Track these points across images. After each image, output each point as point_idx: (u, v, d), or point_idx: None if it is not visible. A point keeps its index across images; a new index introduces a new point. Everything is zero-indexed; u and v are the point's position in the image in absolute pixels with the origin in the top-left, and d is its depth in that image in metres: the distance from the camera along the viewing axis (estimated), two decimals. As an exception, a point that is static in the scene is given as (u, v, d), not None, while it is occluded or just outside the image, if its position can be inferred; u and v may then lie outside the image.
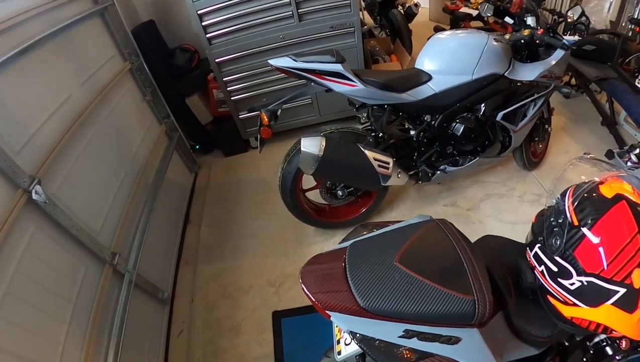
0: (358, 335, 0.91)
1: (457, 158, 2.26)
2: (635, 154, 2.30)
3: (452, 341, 0.89)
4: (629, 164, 2.23)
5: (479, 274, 0.90)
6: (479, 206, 2.50)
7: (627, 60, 2.71)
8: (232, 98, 2.97)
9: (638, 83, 2.37)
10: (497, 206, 2.47)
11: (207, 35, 2.66)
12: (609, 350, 1.12)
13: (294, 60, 1.82)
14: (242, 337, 2.00)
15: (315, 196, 2.38)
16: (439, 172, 2.26)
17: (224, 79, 2.87)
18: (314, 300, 0.90)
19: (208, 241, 2.59)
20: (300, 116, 3.20)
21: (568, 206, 0.97)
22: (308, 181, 2.25)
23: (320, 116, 3.21)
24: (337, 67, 1.80)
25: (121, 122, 2.15)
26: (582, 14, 2.08)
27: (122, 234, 1.84)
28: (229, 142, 3.30)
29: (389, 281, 0.89)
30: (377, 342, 0.91)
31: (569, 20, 2.08)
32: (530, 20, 2.09)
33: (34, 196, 1.31)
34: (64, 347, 1.29)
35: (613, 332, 0.90)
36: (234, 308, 2.14)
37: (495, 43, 1.96)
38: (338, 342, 1.09)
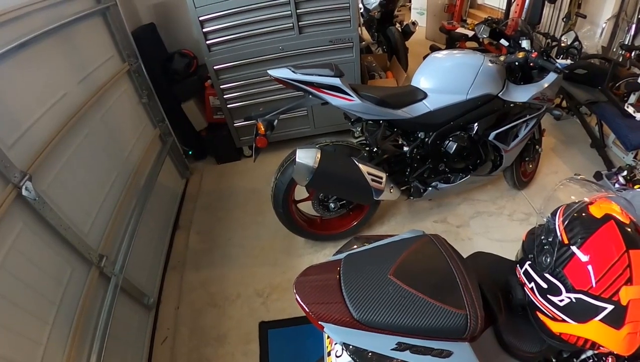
0: (351, 347, 0.91)
1: (449, 175, 2.28)
2: (623, 176, 2.39)
3: (443, 354, 0.89)
4: (616, 185, 2.31)
5: (471, 289, 0.92)
6: (469, 223, 2.52)
7: (617, 84, 2.80)
8: (228, 106, 2.98)
9: (627, 107, 2.45)
10: (487, 224, 2.50)
11: (207, 42, 2.68)
12: None
13: (292, 71, 1.84)
14: (228, 347, 1.96)
15: (306, 208, 2.38)
16: (430, 188, 2.28)
17: (221, 87, 2.88)
18: (307, 311, 0.90)
19: (196, 247, 2.56)
20: (295, 127, 3.21)
21: (558, 225, 0.99)
22: (300, 192, 2.25)
23: (315, 128, 3.24)
24: (335, 81, 1.82)
25: (116, 123, 2.14)
26: (576, 39, 2.15)
27: (110, 237, 1.81)
28: (222, 150, 3.29)
29: (383, 293, 0.90)
30: (370, 354, 0.91)
31: (562, 44, 2.15)
32: (525, 44, 2.16)
33: (24, 192, 1.29)
34: (45, 349, 1.26)
35: (601, 348, 0.91)
36: (220, 317, 2.11)
37: (490, 64, 2.02)
38: (329, 354, 1.08)
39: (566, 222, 0.98)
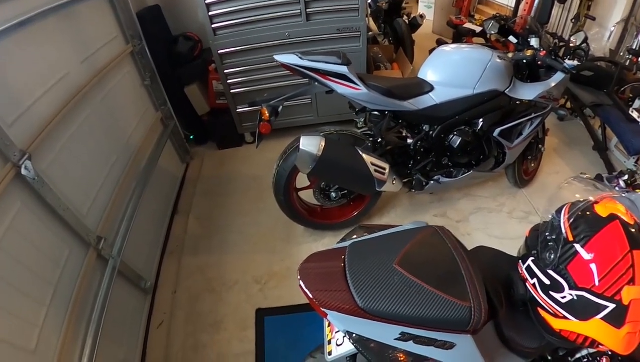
0: (354, 335, 0.91)
1: (452, 170, 2.28)
2: (624, 180, 2.37)
3: (446, 346, 0.89)
4: (617, 189, 2.30)
5: (475, 282, 0.92)
6: (468, 218, 2.53)
7: (622, 88, 2.78)
8: (231, 91, 2.95)
9: (632, 112, 2.44)
10: (486, 220, 2.50)
11: (213, 26, 2.63)
12: None
13: (300, 58, 1.82)
14: (224, 333, 1.97)
15: (307, 196, 2.37)
16: (432, 181, 2.28)
17: (225, 71, 2.85)
18: (311, 297, 0.90)
19: (195, 232, 2.55)
20: (298, 115, 3.19)
21: (563, 222, 0.99)
22: (301, 180, 2.24)
23: (318, 117, 3.21)
24: (343, 69, 1.80)
25: (117, 105, 2.11)
26: (585, 39, 2.13)
27: (109, 219, 1.80)
28: (223, 135, 3.27)
29: (388, 282, 0.89)
30: (372, 343, 0.91)
31: (571, 44, 2.13)
32: (533, 42, 2.14)
33: (23, 171, 1.27)
34: (41, 331, 1.24)
35: (600, 346, 0.92)
36: (217, 303, 2.11)
37: (498, 60, 2.00)
38: (329, 342, 1.08)
39: (571, 220, 0.98)
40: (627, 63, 2.92)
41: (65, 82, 1.66)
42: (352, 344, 0.91)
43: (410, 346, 0.90)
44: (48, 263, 1.37)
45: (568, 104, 3.31)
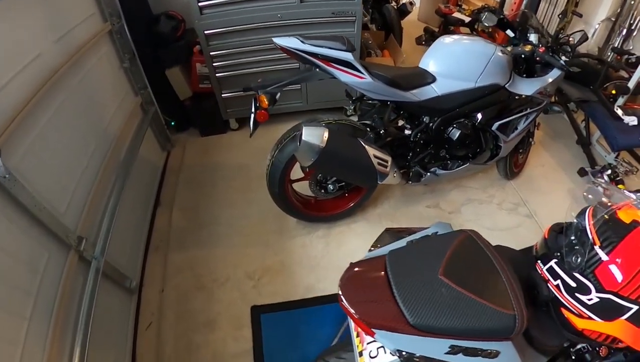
0: (404, 353, 0.87)
1: (448, 162, 2.26)
2: (607, 175, 2.47)
3: (492, 354, 0.90)
4: (599, 180, 2.40)
5: (515, 288, 0.92)
6: (460, 209, 2.54)
7: (606, 85, 2.85)
8: (216, 75, 2.77)
9: (616, 109, 2.51)
10: (477, 211, 2.53)
11: (200, 4, 2.43)
12: (588, 356, 1.20)
13: (302, 42, 1.70)
14: (218, 333, 1.88)
15: (300, 187, 2.29)
16: (429, 173, 2.26)
17: (210, 53, 2.66)
18: (357, 317, 0.85)
19: (180, 225, 2.42)
20: (287, 102, 3.05)
21: (590, 228, 1.01)
22: (295, 171, 2.14)
23: (307, 104, 3.10)
24: (348, 56, 1.71)
25: (95, 90, 1.92)
26: (585, 39, 2.15)
27: (89, 216, 1.64)
28: (207, 121, 3.09)
29: (437, 295, 0.88)
30: (420, 359, 0.88)
31: (570, 42, 2.15)
32: (532, 37, 2.13)
33: (-8, 170, 1.11)
34: (24, 348, 1.11)
35: (620, 343, 0.98)
36: (209, 301, 2.01)
37: (501, 54, 1.96)
38: (360, 354, 1.03)
39: (598, 226, 1.00)
40: (610, 60, 2.99)
41: (37, 64, 1.46)
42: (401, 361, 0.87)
43: (460, 359, 0.89)
44: (25, 271, 1.22)
45: (553, 98, 3.37)
